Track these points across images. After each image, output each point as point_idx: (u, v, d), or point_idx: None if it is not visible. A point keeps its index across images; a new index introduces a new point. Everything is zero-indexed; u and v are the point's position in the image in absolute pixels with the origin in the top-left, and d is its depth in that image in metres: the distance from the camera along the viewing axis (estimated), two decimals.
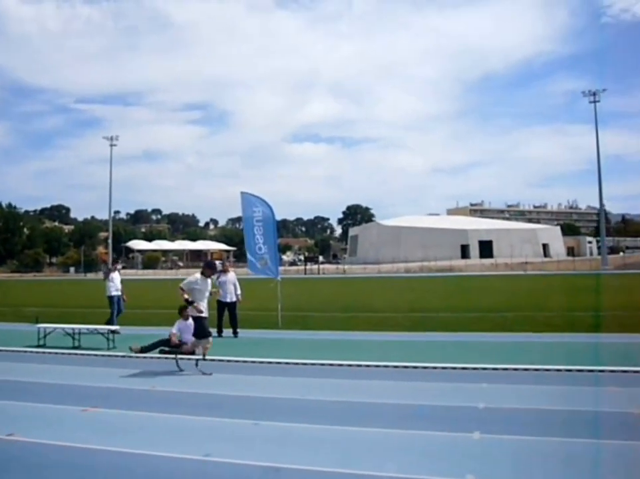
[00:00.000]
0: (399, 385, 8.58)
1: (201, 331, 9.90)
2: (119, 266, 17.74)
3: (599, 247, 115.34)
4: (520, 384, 8.36)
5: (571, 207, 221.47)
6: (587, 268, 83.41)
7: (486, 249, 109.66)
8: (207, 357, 10.07)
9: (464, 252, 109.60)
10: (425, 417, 6.72)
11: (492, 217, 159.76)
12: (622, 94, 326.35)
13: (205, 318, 9.96)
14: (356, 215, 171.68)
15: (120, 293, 15.56)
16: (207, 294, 10.17)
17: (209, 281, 10.30)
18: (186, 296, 9.84)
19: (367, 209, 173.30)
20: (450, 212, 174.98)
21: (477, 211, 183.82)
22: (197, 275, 10.19)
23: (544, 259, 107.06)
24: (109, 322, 14.88)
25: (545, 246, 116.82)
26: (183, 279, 10.58)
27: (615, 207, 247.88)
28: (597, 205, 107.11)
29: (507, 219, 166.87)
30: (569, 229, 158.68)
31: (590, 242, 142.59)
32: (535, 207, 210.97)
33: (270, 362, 10.51)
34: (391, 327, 15.50)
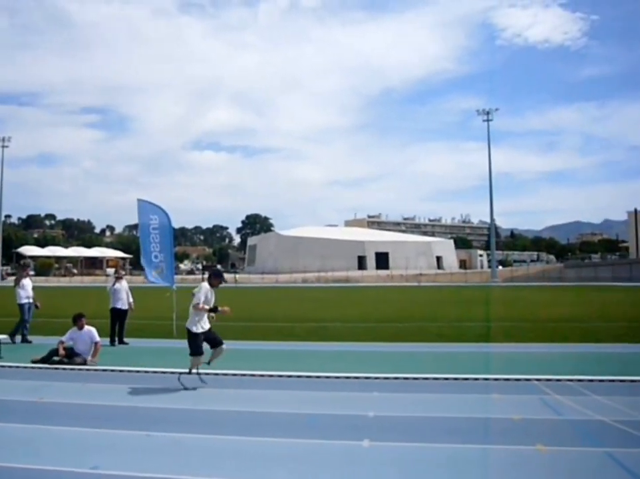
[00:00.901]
0: (292, 394, 8.48)
1: (195, 348, 9.03)
2: (30, 272, 16.59)
3: (489, 261, 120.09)
4: (411, 392, 8.44)
5: (464, 222, 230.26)
6: (477, 280, 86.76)
7: (382, 260, 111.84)
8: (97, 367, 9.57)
9: (361, 263, 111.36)
10: (316, 426, 6.67)
11: (389, 230, 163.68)
12: (513, 114, 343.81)
13: (203, 333, 9.11)
14: (256, 224, 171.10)
15: (31, 301, 14.63)
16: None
17: (214, 291, 9.33)
18: (207, 307, 9.05)
19: (266, 218, 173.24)
20: (348, 224, 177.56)
21: (374, 223, 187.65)
22: (206, 285, 9.28)
23: (438, 271, 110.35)
24: (16, 331, 14.10)
25: (439, 258, 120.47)
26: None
27: (504, 223, 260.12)
28: (488, 220, 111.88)
29: (404, 231, 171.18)
30: (461, 243, 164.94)
31: (481, 255, 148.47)
32: (430, 220, 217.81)
33: (164, 372, 10.13)
34: (286, 337, 15.40)
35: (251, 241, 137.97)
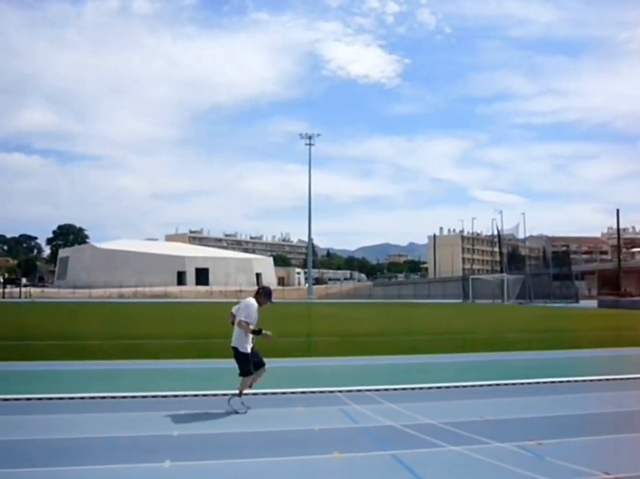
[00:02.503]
0: (92, 418, 7.98)
1: (246, 368, 8.39)
2: None
3: (306, 278, 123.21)
4: (219, 409, 8.43)
5: (284, 240, 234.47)
6: (294, 297, 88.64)
7: (203, 276, 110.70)
8: None
9: (181, 279, 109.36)
10: (115, 450, 6.33)
11: (210, 246, 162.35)
12: (334, 141, 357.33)
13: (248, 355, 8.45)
14: (69, 235, 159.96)
15: None
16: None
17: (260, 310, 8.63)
18: (252, 327, 8.33)
19: (81, 230, 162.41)
20: (169, 238, 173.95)
21: (196, 238, 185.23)
22: (254, 303, 8.56)
23: (256, 288, 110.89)
24: None
25: (258, 275, 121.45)
26: None
27: (321, 242, 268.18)
28: (307, 239, 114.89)
29: (225, 248, 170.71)
30: (281, 260, 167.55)
31: (299, 273, 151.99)
32: (251, 238, 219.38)
33: None
34: (92, 355, 14.41)
35: (62, 252, 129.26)
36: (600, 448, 6.39)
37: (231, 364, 13.17)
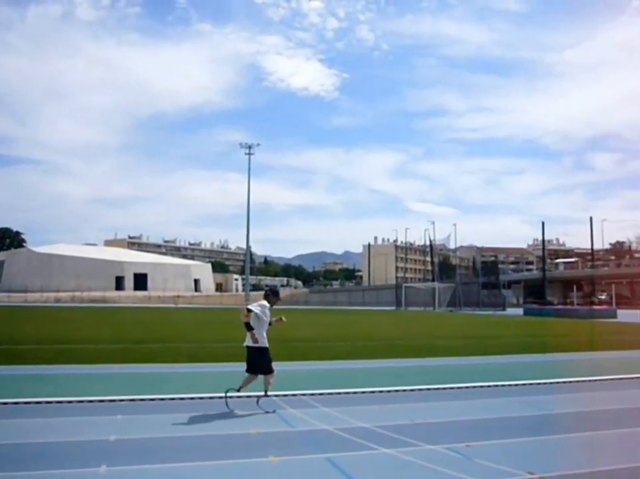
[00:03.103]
0: (26, 423, 7.69)
1: (269, 365, 8.57)
2: None
3: (243, 285, 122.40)
4: (156, 414, 8.26)
5: (222, 247, 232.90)
6: (232, 303, 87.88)
7: (141, 281, 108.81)
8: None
9: (119, 284, 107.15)
10: (51, 454, 6.14)
11: (149, 251, 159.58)
12: (274, 151, 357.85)
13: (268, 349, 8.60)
14: (5, 239, 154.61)
15: None
16: (267, 325, 8.75)
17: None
18: (247, 319, 8.48)
19: (18, 233, 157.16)
20: (108, 243, 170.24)
21: (135, 244, 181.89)
22: (267, 303, 8.75)
23: (195, 294, 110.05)
24: None
25: (196, 281, 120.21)
26: None
27: (259, 250, 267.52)
28: (245, 247, 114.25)
29: (164, 253, 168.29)
30: (219, 267, 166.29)
31: (236, 279, 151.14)
32: (190, 244, 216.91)
33: None
34: (24, 360, 13.90)
35: None
36: (524, 449, 6.57)
37: (168, 368, 13.03)
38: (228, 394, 8.58)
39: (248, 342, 8.55)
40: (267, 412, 8.27)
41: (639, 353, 17.72)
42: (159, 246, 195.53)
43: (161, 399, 9.12)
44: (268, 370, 8.61)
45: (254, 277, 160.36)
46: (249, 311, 8.51)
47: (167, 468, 5.76)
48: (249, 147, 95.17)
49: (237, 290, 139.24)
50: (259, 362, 8.56)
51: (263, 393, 8.74)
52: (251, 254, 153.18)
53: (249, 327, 8.48)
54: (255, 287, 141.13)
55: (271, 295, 9.05)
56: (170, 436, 6.98)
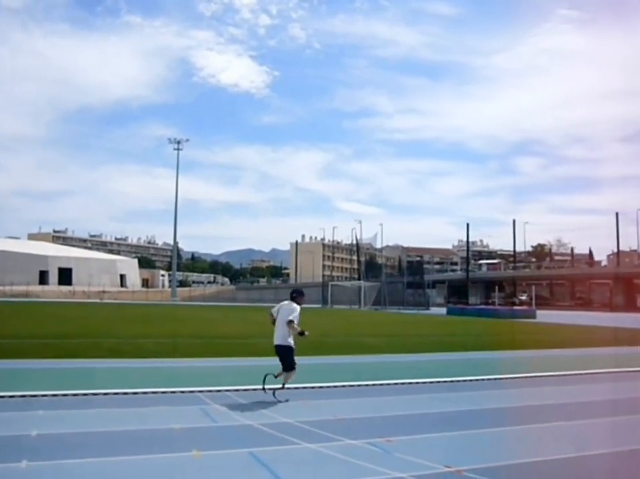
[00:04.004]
0: None
1: (293, 362, 9.14)
2: None
3: (170, 281, 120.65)
4: (80, 409, 8.08)
5: (149, 242, 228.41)
6: (158, 298, 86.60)
7: (66, 276, 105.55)
8: None
9: (43, 278, 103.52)
10: None
11: (75, 246, 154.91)
12: (203, 147, 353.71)
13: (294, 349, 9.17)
14: None
15: None
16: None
17: None
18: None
19: None
20: (31, 237, 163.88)
21: (60, 238, 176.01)
22: (297, 306, 9.28)
23: (120, 289, 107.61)
24: None
25: (122, 276, 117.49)
26: None
27: (187, 246, 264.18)
28: (172, 243, 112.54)
29: (90, 248, 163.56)
30: (145, 263, 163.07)
31: (163, 275, 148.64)
32: (116, 239, 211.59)
33: None
34: None
35: None
36: (443, 443, 6.78)
37: (91, 363, 12.71)
38: (267, 386, 9.13)
39: (277, 341, 9.11)
40: (279, 402, 8.79)
41: (556, 352, 18.48)
42: (84, 240, 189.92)
43: (84, 394, 8.91)
44: (290, 367, 9.10)
45: (181, 273, 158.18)
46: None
47: (89, 462, 5.66)
48: (178, 142, 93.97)
49: (163, 286, 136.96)
50: (284, 359, 9.08)
51: (280, 386, 9.20)
52: (178, 250, 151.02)
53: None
54: (182, 284, 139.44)
55: (298, 296, 9.52)
56: (93, 431, 6.85)
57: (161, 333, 22.22)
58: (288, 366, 9.09)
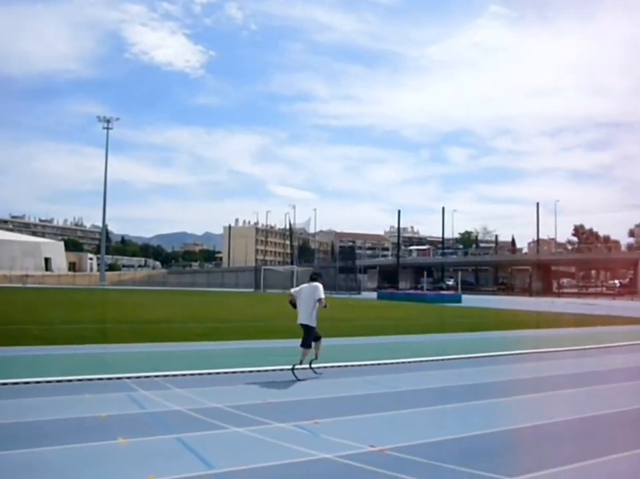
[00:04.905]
0: None
1: (319, 335, 10.17)
2: None
3: (98, 264, 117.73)
4: (4, 399, 7.85)
5: (76, 225, 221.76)
6: (86, 283, 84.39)
7: None
8: None
9: None
10: None
11: None
12: (134, 127, 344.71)
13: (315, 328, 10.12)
14: None
15: None
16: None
17: None
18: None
19: None
20: None
21: None
22: (319, 284, 10.13)
23: (45, 273, 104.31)
24: None
25: (47, 260, 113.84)
26: None
27: (116, 228, 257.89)
28: (101, 225, 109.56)
29: (11, 230, 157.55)
30: (72, 245, 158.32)
31: (91, 259, 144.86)
32: (41, 220, 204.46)
33: None
34: None
35: None
36: (369, 424, 6.96)
37: (15, 351, 12.33)
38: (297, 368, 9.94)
39: (304, 320, 9.98)
40: (298, 380, 9.54)
41: (478, 334, 19.12)
42: (5, 222, 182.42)
43: (4, 384, 8.65)
44: (318, 339, 10.11)
45: (110, 256, 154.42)
46: (321, 299, 9.94)
47: (15, 454, 5.53)
48: (108, 121, 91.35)
49: (91, 269, 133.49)
50: (310, 334, 9.96)
51: (309, 363, 10.17)
52: (108, 233, 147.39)
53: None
54: (111, 267, 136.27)
55: (319, 277, 10.47)
56: (14, 422, 6.67)
57: (88, 318, 21.71)
58: (316, 338, 10.05)
